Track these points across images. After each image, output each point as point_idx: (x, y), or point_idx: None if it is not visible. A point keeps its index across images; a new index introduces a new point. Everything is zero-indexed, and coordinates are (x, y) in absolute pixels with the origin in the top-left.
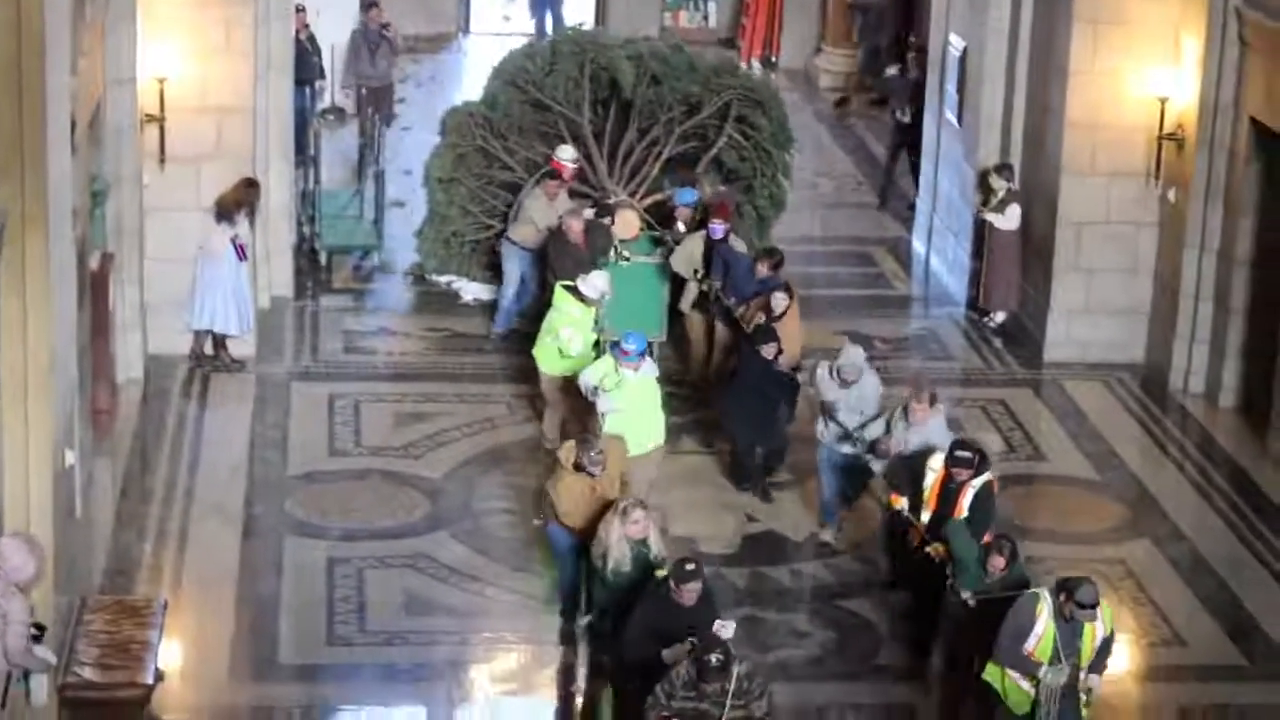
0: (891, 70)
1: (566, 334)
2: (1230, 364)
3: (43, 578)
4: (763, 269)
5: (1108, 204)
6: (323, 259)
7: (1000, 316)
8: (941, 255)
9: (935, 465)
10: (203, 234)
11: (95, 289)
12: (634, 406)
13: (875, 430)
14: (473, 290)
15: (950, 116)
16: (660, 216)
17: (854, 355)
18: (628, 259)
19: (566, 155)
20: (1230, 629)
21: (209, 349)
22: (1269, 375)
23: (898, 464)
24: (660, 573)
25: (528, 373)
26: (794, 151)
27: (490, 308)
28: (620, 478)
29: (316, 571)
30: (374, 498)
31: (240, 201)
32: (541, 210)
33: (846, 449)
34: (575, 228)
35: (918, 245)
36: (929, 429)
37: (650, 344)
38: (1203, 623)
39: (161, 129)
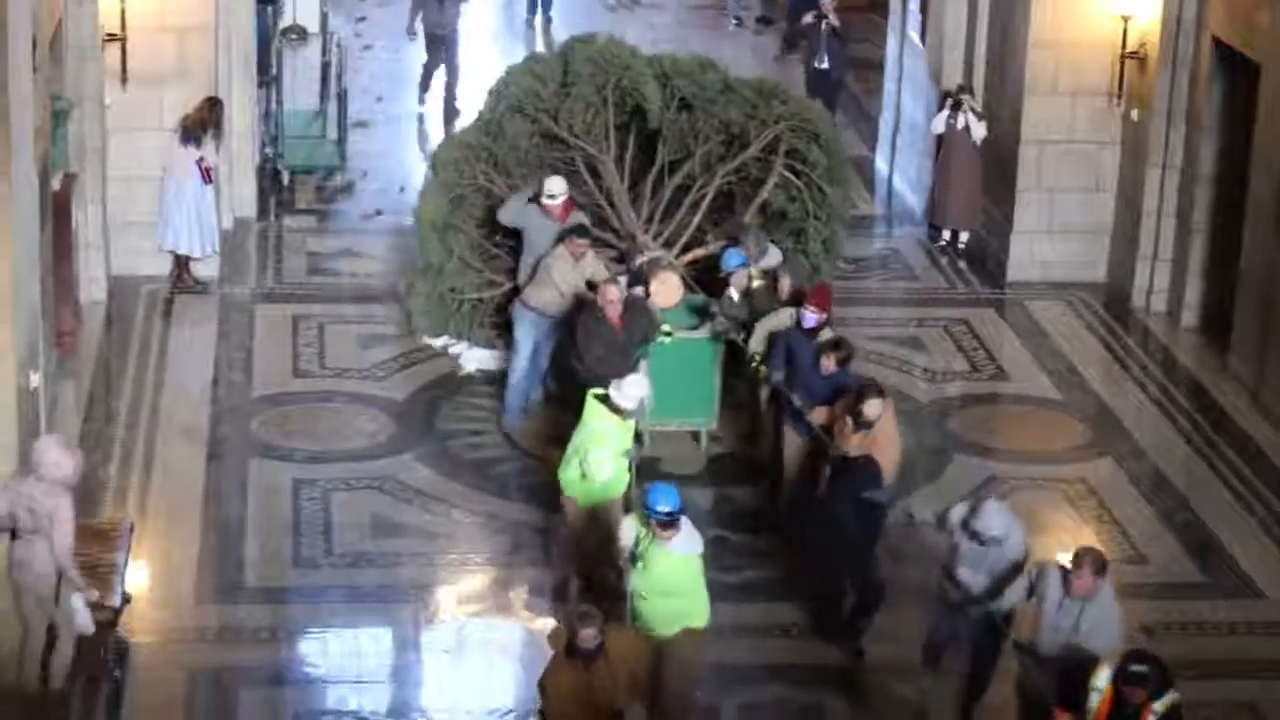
0: (808, 18)
1: (596, 459)
2: (1192, 282)
3: (79, 477)
4: (829, 364)
5: (1070, 123)
6: (285, 179)
7: (964, 236)
8: (904, 174)
9: (1100, 683)
10: (167, 155)
11: (57, 210)
12: (666, 589)
13: (1013, 597)
14: (475, 358)
15: (913, 36)
16: (700, 271)
17: (995, 519)
18: (670, 334)
19: (556, 189)
20: (1190, 546)
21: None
22: (1230, 293)
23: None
24: None
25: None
26: (852, 191)
27: (497, 381)
28: (634, 681)
29: (282, 494)
30: (339, 420)
31: (205, 122)
32: (566, 273)
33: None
34: (613, 300)
35: (880, 164)
36: (1096, 609)
37: (698, 432)
38: (1163, 540)
39: (123, 48)
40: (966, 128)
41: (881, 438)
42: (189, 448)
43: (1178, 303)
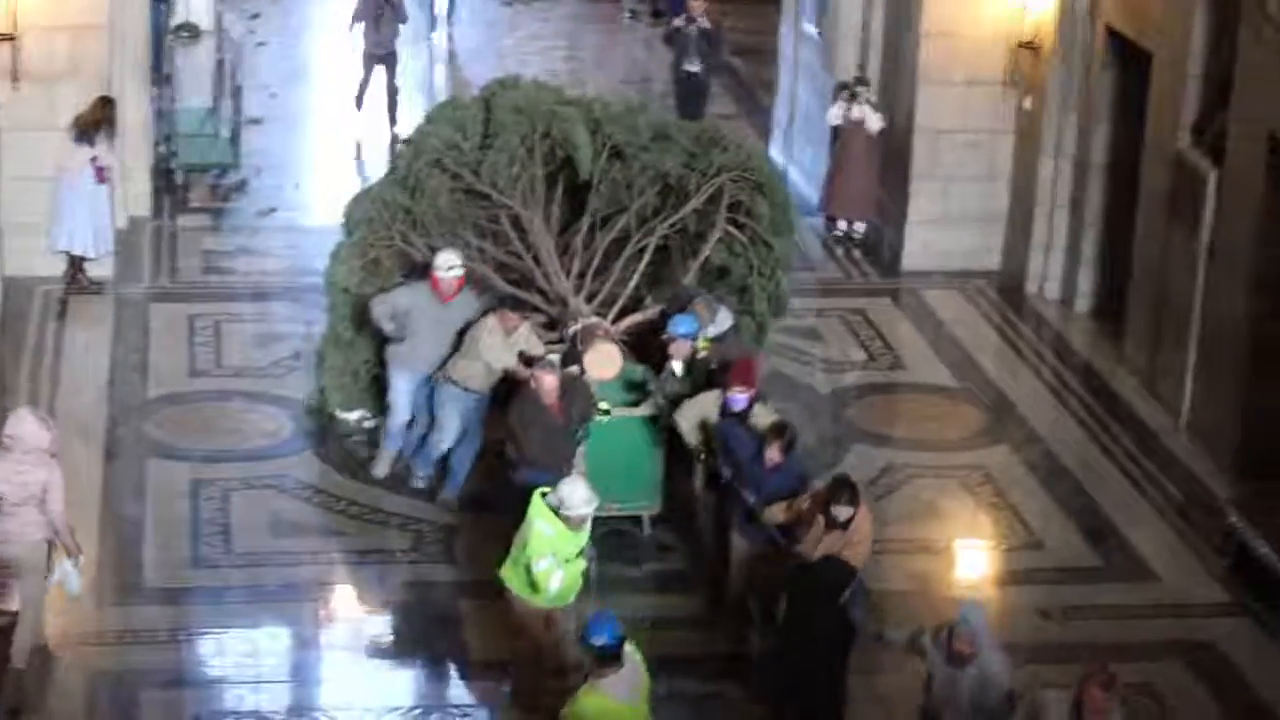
0: (677, 21)
1: (544, 566)
2: (1085, 270)
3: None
4: (773, 454)
5: (965, 112)
6: (179, 178)
7: (859, 226)
8: (799, 165)
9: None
10: (60, 154)
11: None
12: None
13: None
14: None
15: (809, 27)
16: (639, 339)
17: (974, 622)
18: (607, 412)
19: (443, 263)
20: (1086, 531)
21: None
22: (1123, 280)
23: None
24: None
25: None
26: (797, 240)
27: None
28: None
29: (180, 494)
30: (237, 419)
31: (99, 121)
32: (495, 347)
33: None
34: (550, 386)
35: (776, 155)
36: None
37: (644, 519)
38: (1059, 525)
39: (14, 47)
40: (862, 119)
41: (858, 537)
42: (85, 449)
43: (1072, 290)
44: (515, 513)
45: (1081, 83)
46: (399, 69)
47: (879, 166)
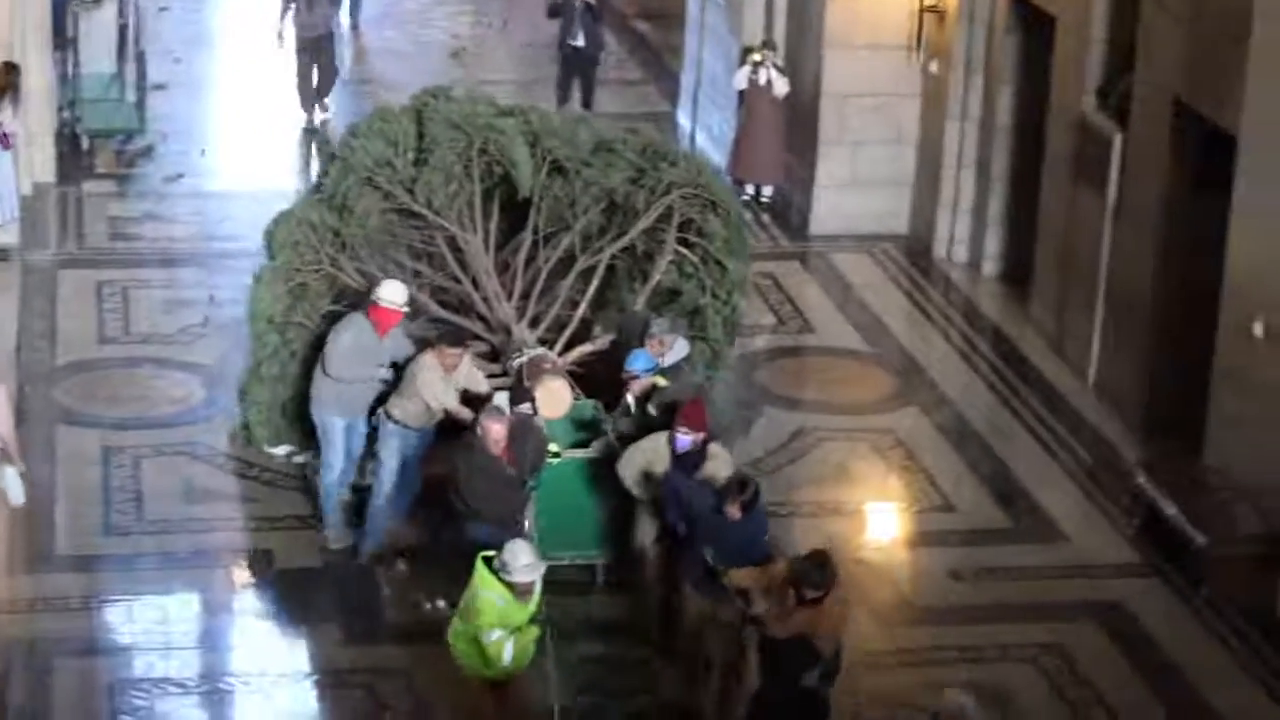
0: None
1: (495, 638)
2: (992, 232)
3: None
4: (733, 511)
5: (871, 76)
6: (84, 143)
7: (767, 190)
8: (707, 129)
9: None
10: None
11: None
12: None
13: None
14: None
15: None
16: (588, 367)
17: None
18: (557, 455)
19: (395, 296)
20: (996, 493)
21: None
22: (1030, 242)
23: None
24: None
25: None
26: (748, 262)
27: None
28: None
29: (91, 461)
30: (147, 385)
31: (2, 87)
32: (434, 386)
33: None
34: (497, 436)
35: (683, 119)
36: None
37: (598, 568)
38: (970, 488)
39: None
40: (769, 83)
41: (831, 618)
42: None
43: (979, 253)
44: (462, 565)
45: (986, 46)
46: (335, 54)
47: (785, 130)
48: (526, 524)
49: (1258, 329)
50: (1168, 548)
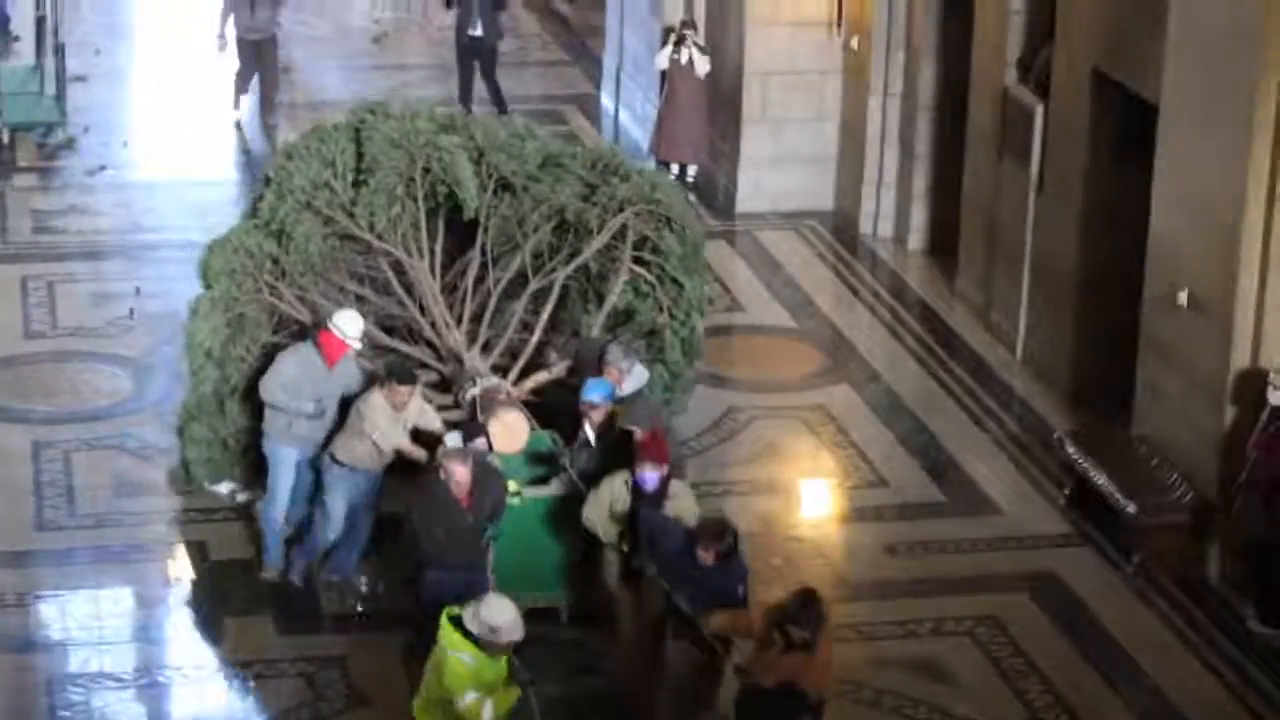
0: None
1: (471, 700)
2: (917, 207)
3: None
4: (706, 556)
5: (792, 54)
6: (5, 137)
7: (693, 170)
8: (630, 110)
9: None
10: None
11: None
12: None
13: None
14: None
15: None
16: (546, 402)
17: None
18: (518, 494)
19: (350, 328)
20: (928, 467)
21: None
22: (955, 216)
23: None
24: None
25: None
26: (710, 280)
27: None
28: None
29: (21, 457)
30: (76, 379)
31: None
32: (382, 424)
33: None
34: (461, 477)
35: (606, 101)
36: None
37: (561, 610)
38: (902, 462)
39: None
40: (690, 63)
41: (820, 662)
42: None
43: (904, 228)
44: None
45: (906, 22)
46: (276, 57)
47: (708, 109)
48: (488, 571)
49: (1182, 298)
50: (1098, 517)
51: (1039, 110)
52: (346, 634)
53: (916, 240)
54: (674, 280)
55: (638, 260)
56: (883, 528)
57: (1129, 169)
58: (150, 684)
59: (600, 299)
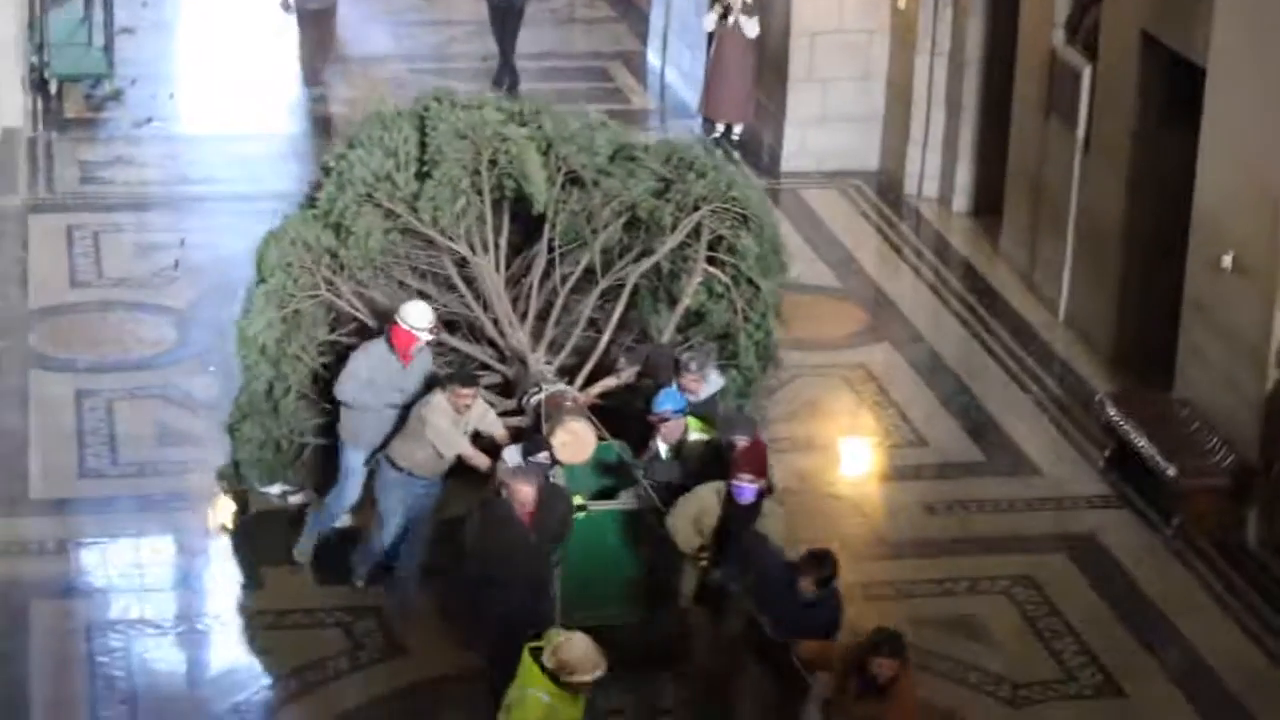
0: None
1: None
2: (962, 167)
3: None
4: (807, 585)
5: (840, 12)
6: (53, 88)
7: (739, 129)
8: (677, 68)
9: None
10: None
11: None
12: None
13: None
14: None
15: None
16: (614, 407)
17: None
18: (583, 508)
19: (418, 319)
20: (968, 427)
21: None
22: (1000, 177)
23: None
24: None
25: None
26: (792, 278)
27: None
28: None
29: (65, 405)
30: (120, 329)
31: None
32: (444, 429)
33: None
34: (525, 498)
35: (653, 58)
36: None
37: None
38: (942, 422)
39: None
40: (737, 25)
41: (902, 709)
42: None
43: (949, 188)
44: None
45: None
46: (334, 27)
47: (755, 70)
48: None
49: (1226, 261)
50: (1137, 479)
51: (1086, 71)
52: (383, 584)
53: (961, 201)
54: (749, 281)
55: (712, 260)
56: (922, 486)
57: (1176, 131)
58: (189, 631)
59: (671, 299)
